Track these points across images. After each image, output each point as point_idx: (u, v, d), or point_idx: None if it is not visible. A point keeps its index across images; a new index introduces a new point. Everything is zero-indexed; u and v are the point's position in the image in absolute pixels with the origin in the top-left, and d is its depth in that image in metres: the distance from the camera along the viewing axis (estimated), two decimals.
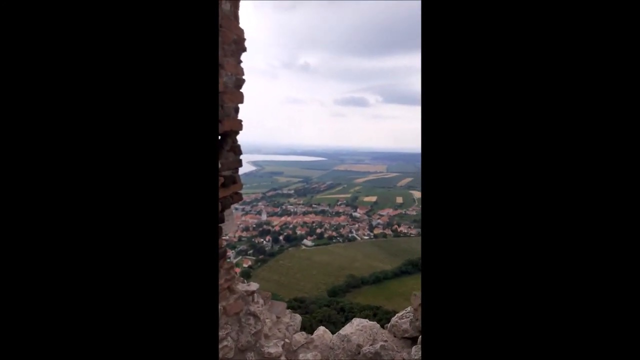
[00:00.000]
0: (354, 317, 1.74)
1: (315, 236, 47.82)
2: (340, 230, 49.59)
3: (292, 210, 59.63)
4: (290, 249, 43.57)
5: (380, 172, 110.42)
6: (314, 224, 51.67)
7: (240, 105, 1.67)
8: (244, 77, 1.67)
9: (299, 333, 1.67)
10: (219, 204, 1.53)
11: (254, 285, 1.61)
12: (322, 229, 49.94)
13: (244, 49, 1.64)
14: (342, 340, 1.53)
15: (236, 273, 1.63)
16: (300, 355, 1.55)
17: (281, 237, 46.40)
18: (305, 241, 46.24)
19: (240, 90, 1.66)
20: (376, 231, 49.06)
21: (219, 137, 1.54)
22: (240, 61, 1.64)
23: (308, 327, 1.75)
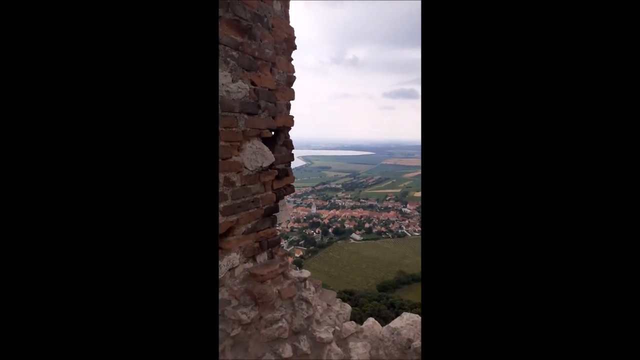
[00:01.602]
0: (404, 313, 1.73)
1: (363, 230, 47.48)
2: (390, 226, 48.47)
3: (340, 204, 59.89)
4: (339, 241, 43.92)
5: None
6: (362, 219, 51.28)
7: (291, 102, 1.75)
8: (294, 74, 1.74)
9: (349, 322, 1.72)
10: (274, 195, 1.63)
11: (306, 273, 1.69)
12: (371, 224, 49.34)
13: (294, 47, 1.70)
14: (392, 333, 1.54)
15: (289, 260, 1.73)
16: (350, 344, 1.60)
17: (330, 230, 47.01)
18: (353, 235, 46.20)
19: (292, 88, 1.73)
20: None
21: (273, 133, 1.64)
22: (291, 59, 1.71)
23: (357, 320, 1.78)
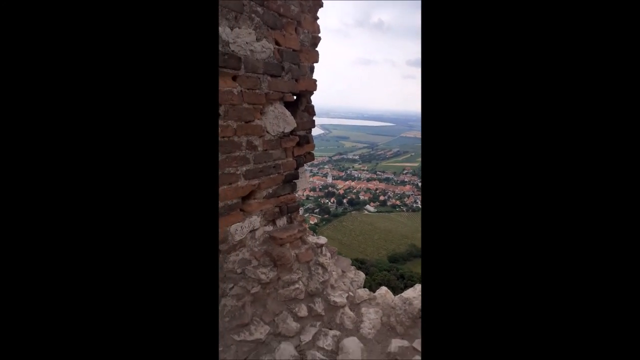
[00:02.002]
0: (414, 284, 1.75)
1: (378, 203, 47.63)
2: (405, 200, 48.25)
3: (356, 175, 59.75)
4: (353, 212, 44.47)
5: None
6: (378, 191, 51.22)
7: (314, 65, 1.67)
8: (319, 34, 1.65)
9: (362, 289, 1.76)
10: (295, 161, 1.62)
11: (322, 239, 1.72)
12: (386, 197, 49.30)
13: (321, 4, 1.59)
14: (404, 303, 1.57)
15: (307, 226, 1.76)
16: (363, 309, 1.65)
17: (345, 200, 47.48)
18: (368, 207, 46.52)
19: (316, 49, 1.65)
20: None
21: (295, 97, 1.59)
22: (317, 17, 1.61)
23: (367, 288, 1.83)
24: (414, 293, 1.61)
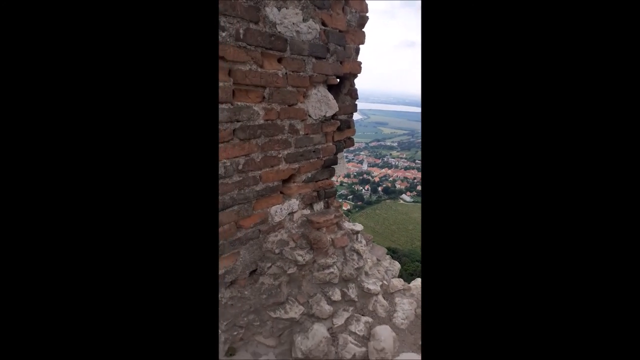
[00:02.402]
0: None
1: (415, 192, 46.16)
2: None
3: (393, 163, 58.16)
4: (387, 200, 43.70)
5: None
6: (416, 180, 49.54)
7: (360, 47, 1.61)
8: (367, 14, 1.57)
9: (397, 279, 1.74)
10: (334, 146, 1.60)
11: (358, 226, 1.70)
12: None
13: None
14: None
15: (342, 212, 1.75)
16: (397, 299, 1.63)
17: (380, 189, 46.69)
18: (403, 196, 45.33)
19: (363, 30, 1.58)
20: None
21: (338, 80, 1.55)
22: None
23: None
24: None
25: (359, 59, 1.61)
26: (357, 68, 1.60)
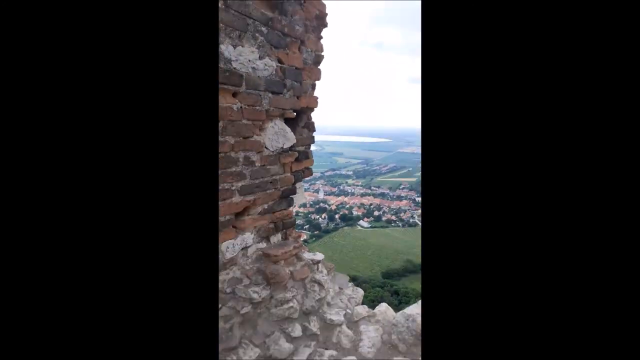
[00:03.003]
0: (409, 302, 1.73)
1: (372, 218, 47.36)
2: (401, 215, 48.02)
3: (349, 191, 59.71)
4: (345, 227, 44.12)
5: None
6: (372, 206, 51.05)
7: (316, 83, 1.70)
8: (323, 53, 1.69)
9: (361, 306, 1.73)
10: (292, 177, 1.62)
11: (319, 256, 1.69)
12: (380, 212, 49.09)
13: (325, 25, 1.64)
14: (407, 319, 1.54)
15: (302, 243, 1.74)
16: (362, 327, 1.62)
17: (337, 216, 47.13)
18: (361, 222, 46.23)
19: (319, 67, 1.69)
20: None
21: (295, 114, 1.61)
22: (321, 37, 1.65)
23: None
24: (418, 309, 1.58)
25: (315, 94, 1.70)
26: (313, 102, 1.68)
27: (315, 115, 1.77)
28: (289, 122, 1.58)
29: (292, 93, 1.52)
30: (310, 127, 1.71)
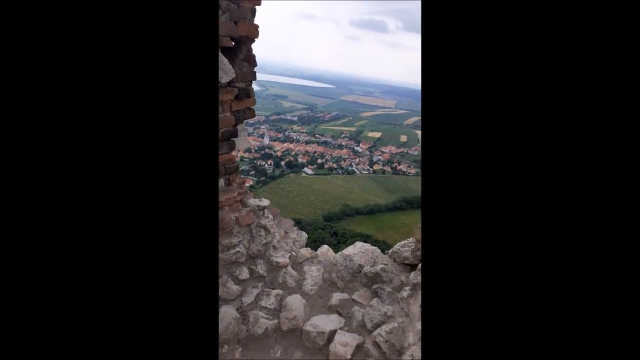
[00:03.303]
0: (346, 241, 1.85)
1: (316, 165, 48.58)
2: (341, 163, 50.16)
3: (295, 137, 59.24)
4: (291, 174, 44.74)
5: (389, 108, 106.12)
6: (316, 154, 51.99)
7: (257, 8, 1.47)
8: None
9: (305, 248, 1.80)
10: (233, 117, 1.47)
11: (265, 201, 1.66)
12: (324, 160, 50.48)
13: None
14: (345, 259, 1.65)
15: (247, 189, 1.66)
16: (305, 267, 1.69)
17: (282, 163, 47.20)
18: (306, 169, 47.19)
19: None
20: (376, 167, 49.76)
21: (233, 43, 1.39)
22: None
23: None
24: (354, 250, 1.70)
25: (256, 22, 1.48)
26: (253, 32, 1.46)
27: (258, 51, 1.57)
28: (226, 52, 1.37)
29: (229, 16, 1.29)
30: (251, 60, 1.52)
